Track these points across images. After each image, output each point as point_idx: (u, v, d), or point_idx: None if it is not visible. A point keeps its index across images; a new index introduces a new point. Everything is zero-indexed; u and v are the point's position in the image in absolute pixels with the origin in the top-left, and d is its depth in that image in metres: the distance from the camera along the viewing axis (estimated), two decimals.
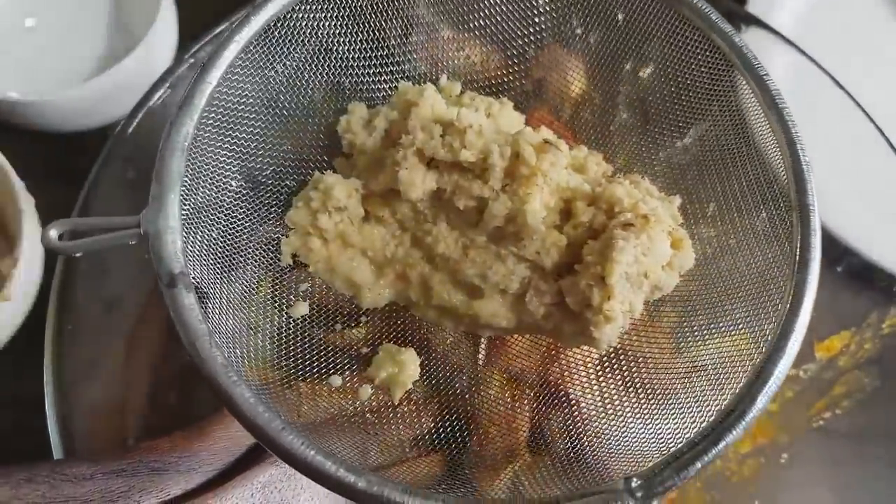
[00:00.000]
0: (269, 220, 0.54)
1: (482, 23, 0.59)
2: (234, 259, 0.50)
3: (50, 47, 0.77)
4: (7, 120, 0.68)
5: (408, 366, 0.52)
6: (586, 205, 0.50)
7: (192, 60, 0.63)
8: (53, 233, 0.44)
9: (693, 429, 0.45)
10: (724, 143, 0.54)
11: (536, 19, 0.59)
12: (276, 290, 0.54)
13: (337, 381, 0.52)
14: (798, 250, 0.46)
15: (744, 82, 0.51)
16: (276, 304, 0.53)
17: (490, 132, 0.51)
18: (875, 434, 0.63)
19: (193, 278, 0.44)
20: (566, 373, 0.54)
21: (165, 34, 0.72)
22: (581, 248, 0.49)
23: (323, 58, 0.55)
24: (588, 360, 0.54)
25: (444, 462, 0.52)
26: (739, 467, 0.61)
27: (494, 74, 0.62)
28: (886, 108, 0.68)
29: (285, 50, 0.53)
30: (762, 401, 0.42)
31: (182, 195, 0.45)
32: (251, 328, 0.50)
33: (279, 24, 0.51)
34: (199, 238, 0.47)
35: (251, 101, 0.52)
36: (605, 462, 0.49)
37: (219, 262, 0.49)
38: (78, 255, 0.45)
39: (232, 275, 0.50)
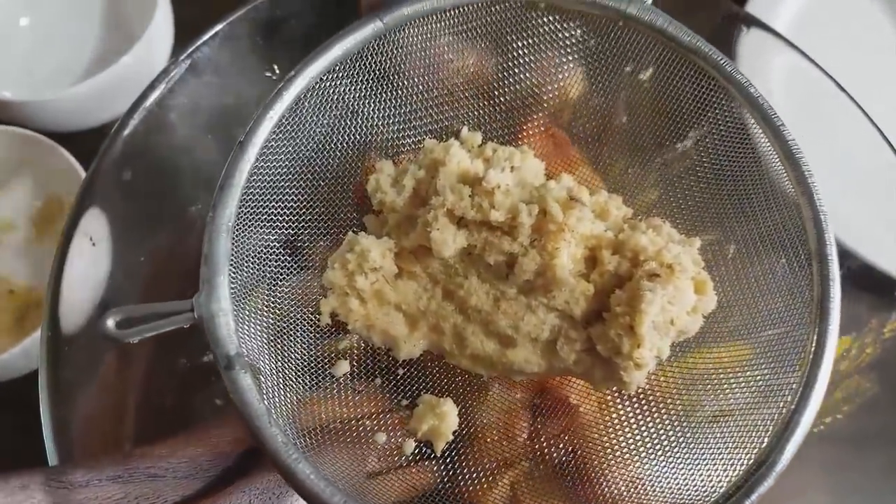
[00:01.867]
0: (308, 283, 0.56)
1: None
2: (280, 328, 0.52)
3: (45, 47, 0.76)
4: (2, 120, 0.67)
5: (448, 416, 0.55)
6: (611, 253, 0.52)
7: (189, 61, 0.61)
8: (110, 322, 0.46)
9: (717, 479, 0.47)
10: (741, 181, 0.56)
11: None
12: (319, 351, 0.56)
13: (382, 437, 0.55)
14: (818, 299, 0.48)
15: (759, 132, 0.53)
16: (319, 366, 0.55)
17: (516, 189, 0.53)
18: (876, 439, 0.64)
19: (247, 357, 0.46)
20: (564, 381, 0.56)
21: (161, 33, 0.71)
22: (608, 296, 0.51)
23: (350, 120, 0.57)
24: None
25: (441, 469, 0.54)
26: None
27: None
28: (887, 109, 0.68)
29: (315, 118, 0.54)
30: (791, 450, 0.44)
31: (230, 275, 0.47)
32: (307, 396, 0.53)
33: (308, 95, 0.53)
34: (247, 314, 0.49)
35: (285, 171, 0.54)
36: (608, 477, 0.51)
37: (270, 336, 0.51)
38: (135, 341, 0.47)
39: (280, 344, 0.52)
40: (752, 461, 0.45)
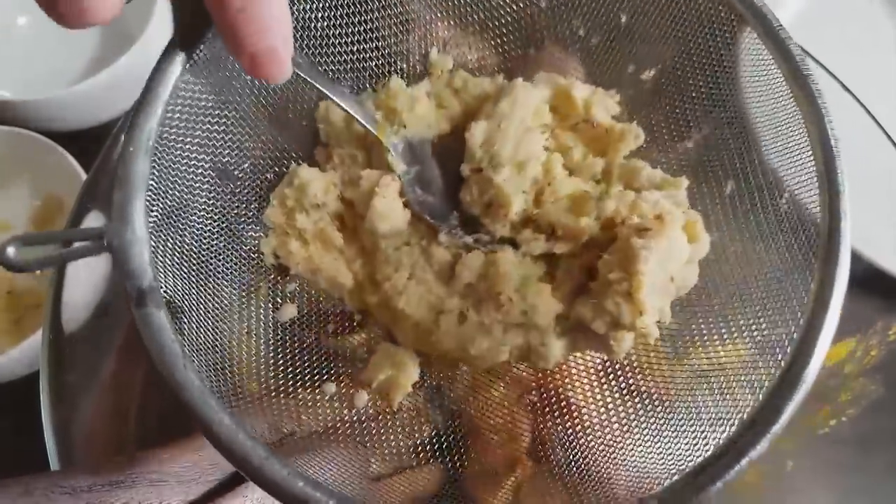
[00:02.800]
0: (247, 219, 0.50)
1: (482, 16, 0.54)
2: (211, 265, 0.47)
3: (43, 46, 0.76)
4: (0, 120, 0.67)
5: (407, 367, 0.49)
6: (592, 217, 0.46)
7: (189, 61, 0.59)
8: (11, 250, 0.40)
9: (708, 444, 0.42)
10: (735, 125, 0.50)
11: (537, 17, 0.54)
12: (261, 294, 0.50)
13: (331, 388, 0.49)
14: (826, 233, 0.42)
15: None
16: (261, 309, 0.50)
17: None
18: (881, 441, 0.63)
19: (165, 292, 0.40)
20: (567, 380, 0.50)
21: (160, 33, 0.71)
22: (586, 266, 0.45)
23: (301, 35, 0.50)
24: (589, 366, 0.51)
25: (445, 472, 0.50)
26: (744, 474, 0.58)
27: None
28: (889, 110, 0.67)
29: None
30: (789, 410, 0.38)
31: (148, 201, 0.41)
32: (236, 339, 0.47)
33: None
34: (171, 246, 0.43)
35: (222, 87, 0.47)
36: (612, 476, 0.46)
37: (194, 271, 0.45)
38: (37, 271, 0.41)
39: (210, 283, 0.46)
40: (745, 420, 0.39)
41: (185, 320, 0.42)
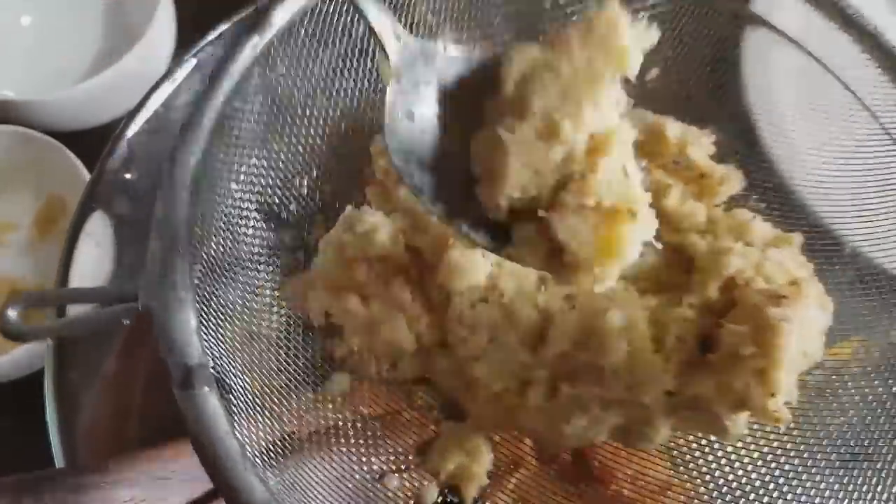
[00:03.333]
0: (296, 270, 0.42)
1: None
2: (254, 329, 0.39)
3: (46, 46, 0.76)
4: (3, 119, 0.67)
5: (480, 452, 0.42)
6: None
7: (194, 60, 0.56)
8: (12, 313, 0.32)
9: None
10: None
11: None
12: (307, 361, 0.42)
13: (394, 481, 0.41)
14: None
15: None
16: (308, 379, 0.42)
17: None
18: (885, 442, 0.54)
19: (213, 369, 0.32)
20: None
21: (163, 33, 0.70)
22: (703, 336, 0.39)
23: (358, 60, 0.43)
24: None
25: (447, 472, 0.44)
26: None
27: None
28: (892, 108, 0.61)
29: (312, 52, 0.41)
30: None
31: (192, 253, 0.33)
32: (286, 416, 0.39)
33: (305, 21, 0.39)
34: (214, 310, 0.35)
35: (269, 117, 0.40)
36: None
37: (238, 338, 0.37)
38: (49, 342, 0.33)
39: (254, 351, 0.38)
40: None
41: (234, 402, 0.34)
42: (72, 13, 0.77)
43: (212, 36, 0.57)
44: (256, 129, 0.39)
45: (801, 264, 0.41)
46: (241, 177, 0.39)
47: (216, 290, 0.36)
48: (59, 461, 0.49)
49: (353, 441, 0.42)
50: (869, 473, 0.45)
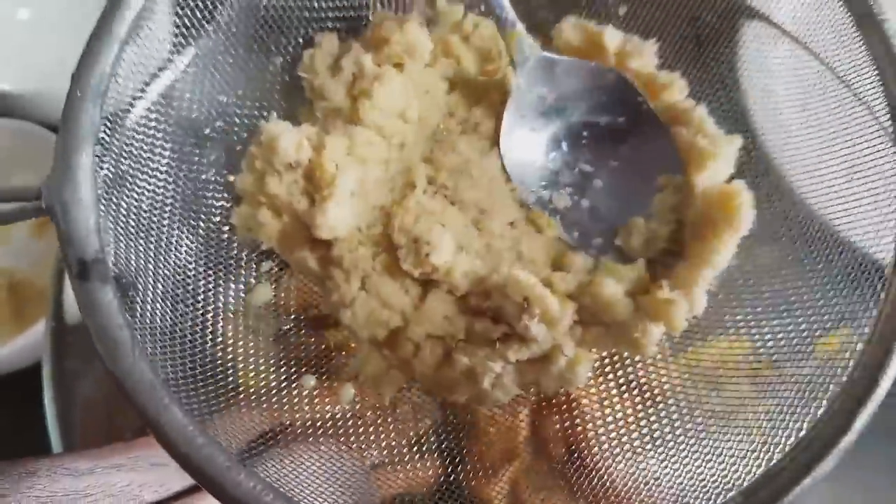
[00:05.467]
0: (218, 186, 0.43)
1: None
2: (173, 238, 0.40)
3: (44, 38, 0.77)
4: (1, 112, 0.68)
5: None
6: None
7: (193, 50, 0.53)
8: None
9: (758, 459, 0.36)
10: None
11: None
12: (231, 273, 0.43)
13: (310, 381, 0.43)
14: None
15: None
16: (231, 290, 0.43)
17: None
18: (873, 435, 0.59)
19: (114, 265, 0.34)
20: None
21: (162, 24, 0.67)
22: None
23: None
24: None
25: (442, 464, 0.46)
26: None
27: None
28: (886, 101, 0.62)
29: None
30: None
31: (98, 156, 0.35)
32: (200, 323, 0.40)
33: None
34: (124, 213, 0.37)
35: (189, 26, 0.41)
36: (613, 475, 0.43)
37: (152, 244, 0.38)
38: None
39: (170, 258, 0.39)
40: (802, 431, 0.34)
41: (139, 300, 0.36)
42: (69, 5, 0.77)
43: (211, 26, 0.57)
44: (175, 42, 0.40)
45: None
46: (159, 89, 0.39)
47: (126, 197, 0.37)
48: (56, 448, 0.50)
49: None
50: None
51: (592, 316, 0.39)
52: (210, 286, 0.42)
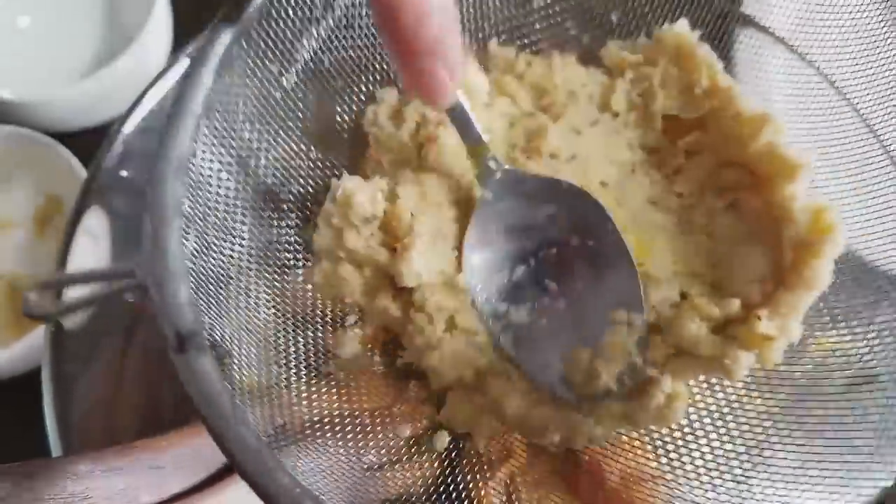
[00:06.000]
0: (298, 245, 0.44)
1: None
2: (259, 300, 0.41)
3: (43, 46, 0.77)
4: (1, 120, 0.68)
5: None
6: None
7: (189, 59, 0.55)
8: (33, 296, 0.35)
9: None
10: None
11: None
12: (319, 329, 0.44)
13: (405, 431, 0.42)
14: None
15: None
16: (320, 346, 0.43)
17: None
18: None
19: (209, 336, 0.35)
20: None
21: (160, 32, 0.71)
22: None
23: (345, 32, 0.44)
24: None
25: (440, 462, 0.45)
26: None
27: None
28: (881, 109, 0.61)
29: (295, 29, 0.42)
30: None
31: (184, 228, 0.36)
32: (290, 384, 0.41)
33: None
34: (213, 280, 0.37)
35: (255, 97, 0.42)
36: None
37: (241, 309, 0.39)
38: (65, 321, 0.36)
39: (258, 320, 0.40)
40: None
41: (235, 365, 0.36)
42: (69, 14, 0.78)
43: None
44: (247, 113, 0.41)
45: None
46: (234, 158, 0.40)
47: (213, 266, 0.38)
48: (55, 452, 0.50)
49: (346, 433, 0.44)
50: None
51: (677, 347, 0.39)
52: (300, 345, 0.42)
